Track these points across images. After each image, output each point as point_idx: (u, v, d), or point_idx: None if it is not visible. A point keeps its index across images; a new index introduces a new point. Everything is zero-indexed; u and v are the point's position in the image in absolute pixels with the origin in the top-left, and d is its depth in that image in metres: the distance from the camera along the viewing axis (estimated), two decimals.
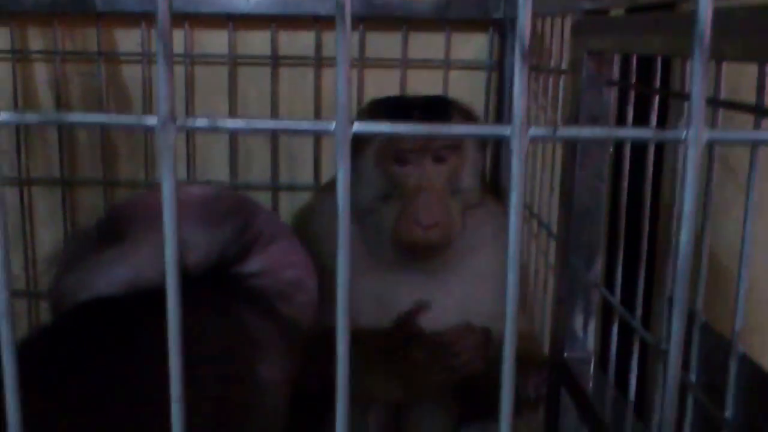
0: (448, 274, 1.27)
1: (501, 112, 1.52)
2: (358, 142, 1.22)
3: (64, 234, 1.56)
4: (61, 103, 1.51)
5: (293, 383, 1.06)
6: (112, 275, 0.97)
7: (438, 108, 1.27)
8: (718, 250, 1.23)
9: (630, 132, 0.40)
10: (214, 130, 0.36)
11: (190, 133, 1.49)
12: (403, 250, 1.22)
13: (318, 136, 1.53)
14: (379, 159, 1.23)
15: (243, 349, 1.01)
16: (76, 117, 0.39)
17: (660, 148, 1.11)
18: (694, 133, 0.35)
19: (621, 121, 0.96)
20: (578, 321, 1.04)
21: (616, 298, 0.94)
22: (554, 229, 1.21)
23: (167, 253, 0.38)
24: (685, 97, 0.80)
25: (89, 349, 0.87)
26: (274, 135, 1.50)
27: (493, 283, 1.26)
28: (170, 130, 0.36)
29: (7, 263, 0.39)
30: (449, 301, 1.26)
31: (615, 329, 0.95)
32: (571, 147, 0.99)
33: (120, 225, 1.02)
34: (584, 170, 0.98)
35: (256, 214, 1.11)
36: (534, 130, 0.35)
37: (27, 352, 0.84)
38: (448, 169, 1.23)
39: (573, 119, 0.97)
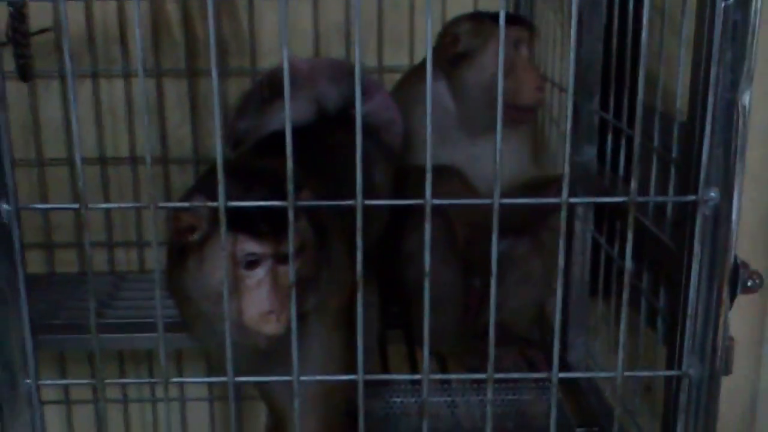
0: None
1: None
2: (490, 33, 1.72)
3: (190, 113, 2.06)
4: None
5: (393, 188, 1.59)
6: (284, 117, 1.47)
7: None
8: None
9: None
10: None
11: None
12: (520, 112, 1.72)
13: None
14: (507, 44, 1.72)
15: (363, 159, 1.52)
16: None
17: None
18: None
19: None
20: (584, 139, 1.55)
21: (610, 115, 1.46)
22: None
23: None
24: None
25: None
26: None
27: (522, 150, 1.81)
28: None
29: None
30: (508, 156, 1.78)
31: (609, 137, 1.47)
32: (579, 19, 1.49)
33: (281, 83, 1.52)
34: (589, 33, 1.48)
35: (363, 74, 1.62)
36: None
37: (256, 149, 1.37)
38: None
39: None
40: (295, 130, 1.48)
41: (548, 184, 1.72)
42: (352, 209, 1.04)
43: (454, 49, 1.74)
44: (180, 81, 2.05)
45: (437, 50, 1.81)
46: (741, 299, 1.94)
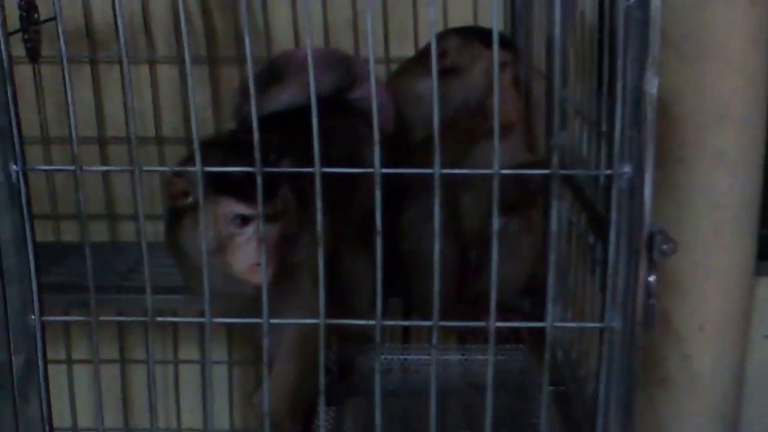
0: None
1: None
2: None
3: (211, 98, 2.24)
4: None
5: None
6: (280, 100, 1.65)
7: None
8: None
9: None
10: None
11: None
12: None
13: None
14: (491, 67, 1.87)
15: (355, 140, 1.69)
16: None
17: None
18: None
19: None
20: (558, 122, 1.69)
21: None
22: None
23: None
24: None
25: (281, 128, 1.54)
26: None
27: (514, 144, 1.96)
28: None
29: None
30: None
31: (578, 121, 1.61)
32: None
33: (279, 69, 1.69)
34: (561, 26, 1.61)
35: (355, 62, 1.79)
36: None
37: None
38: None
39: None
40: (290, 112, 1.66)
41: (532, 167, 1.87)
42: (331, 179, 1.18)
43: (441, 63, 1.87)
44: (201, 67, 2.23)
45: (427, 54, 1.95)
46: (733, 285, 2.08)
